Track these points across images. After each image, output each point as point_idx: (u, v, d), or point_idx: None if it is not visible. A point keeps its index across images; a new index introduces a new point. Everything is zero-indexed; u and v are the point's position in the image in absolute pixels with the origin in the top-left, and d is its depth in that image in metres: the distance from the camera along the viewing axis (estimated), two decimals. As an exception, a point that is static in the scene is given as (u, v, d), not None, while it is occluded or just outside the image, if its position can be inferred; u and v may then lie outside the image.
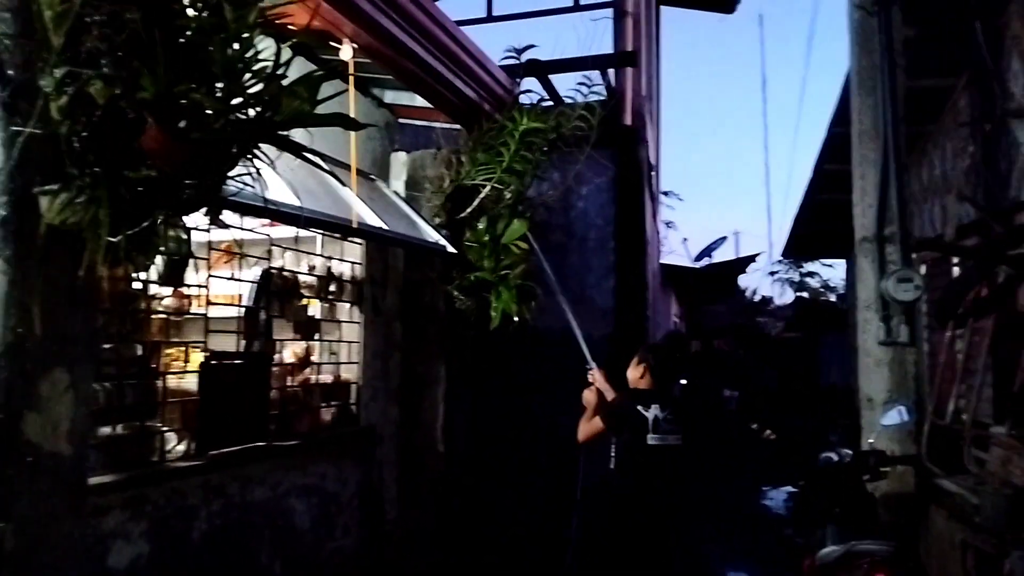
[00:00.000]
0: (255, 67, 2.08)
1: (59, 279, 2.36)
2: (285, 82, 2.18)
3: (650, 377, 4.21)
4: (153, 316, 3.64)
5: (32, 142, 2.22)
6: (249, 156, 2.17)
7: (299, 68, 2.32)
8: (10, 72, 2.30)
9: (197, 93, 2.01)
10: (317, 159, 2.45)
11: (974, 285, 4.69)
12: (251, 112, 2.11)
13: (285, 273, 4.44)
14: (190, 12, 2.13)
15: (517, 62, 5.59)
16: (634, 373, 4.28)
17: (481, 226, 5.24)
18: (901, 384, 4.65)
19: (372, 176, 5.37)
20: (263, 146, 2.29)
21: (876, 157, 4.68)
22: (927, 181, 7.46)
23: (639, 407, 4.08)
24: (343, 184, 4.32)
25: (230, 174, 2.20)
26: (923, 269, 6.90)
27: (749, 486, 10.96)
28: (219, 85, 2.06)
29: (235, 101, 2.07)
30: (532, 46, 5.63)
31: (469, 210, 5.25)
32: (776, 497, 10.33)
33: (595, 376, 4.55)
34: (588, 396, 4.46)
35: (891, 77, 4.61)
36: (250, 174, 2.20)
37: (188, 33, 2.08)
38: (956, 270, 6.18)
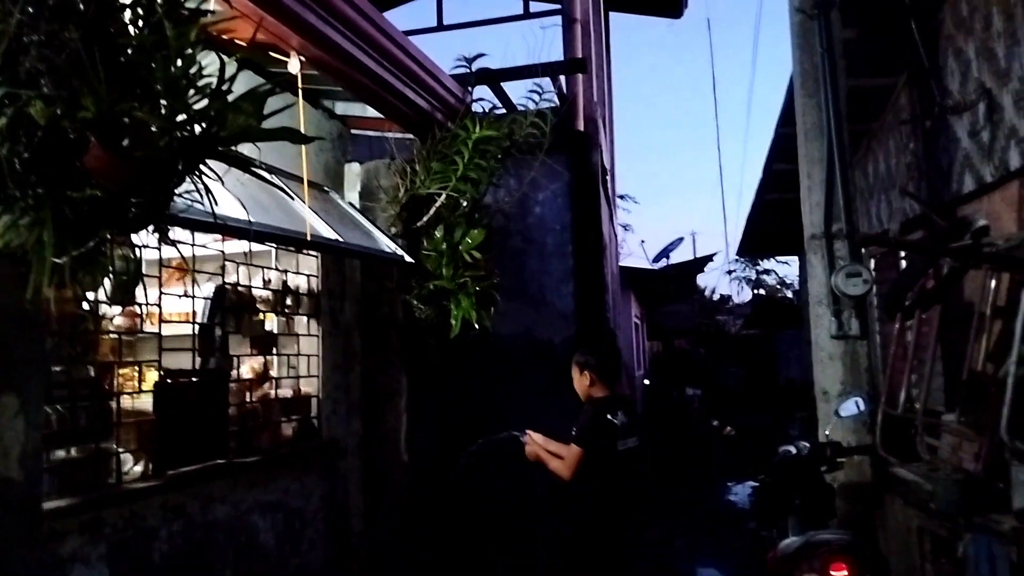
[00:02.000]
0: (199, 83, 2.07)
1: (4, 303, 2.32)
2: (231, 97, 2.17)
3: (600, 381, 4.13)
4: (104, 336, 3.58)
5: (-29, 164, 2.18)
6: (196, 172, 2.15)
7: (247, 82, 2.31)
8: (-54, 93, 2.26)
9: (140, 111, 1.99)
10: (266, 173, 2.44)
11: (920, 277, 4.82)
12: (196, 128, 2.10)
13: (240, 288, 4.40)
14: (131, 30, 2.11)
15: (468, 71, 5.62)
16: (582, 383, 4.17)
17: (438, 234, 5.24)
18: (854, 376, 4.77)
19: (325, 188, 5.35)
20: (210, 162, 2.28)
21: (821, 156, 4.79)
22: (872, 178, 7.66)
23: (608, 415, 3.99)
24: (296, 197, 4.30)
25: (177, 191, 2.18)
26: (872, 263, 7.08)
27: (714, 482, 11.12)
28: (163, 102, 2.04)
29: (180, 118, 2.05)
30: (482, 55, 5.67)
31: (425, 219, 5.26)
32: (740, 492, 10.48)
33: (531, 439, 4.35)
34: (532, 451, 4.30)
35: (833, 77, 4.72)
36: (198, 190, 2.18)
37: (129, 51, 2.06)
38: (903, 263, 6.35)
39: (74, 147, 2.06)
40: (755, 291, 31.06)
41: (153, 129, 2.02)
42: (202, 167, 2.16)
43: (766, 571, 4.08)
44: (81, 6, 2.05)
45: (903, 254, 6.41)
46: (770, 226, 11.45)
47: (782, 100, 7.33)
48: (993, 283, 4.35)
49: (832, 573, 3.14)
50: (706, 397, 16.54)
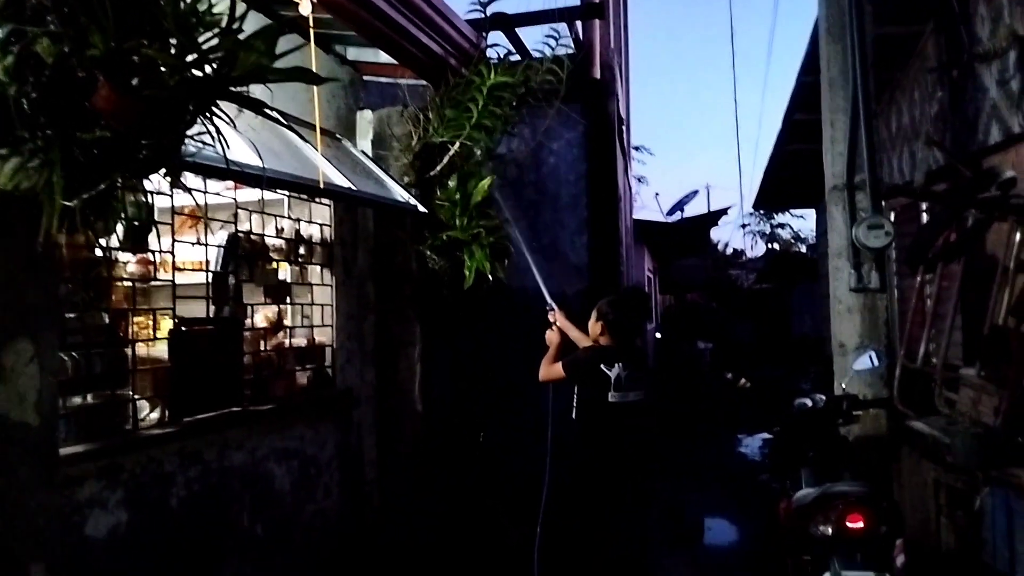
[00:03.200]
0: (209, 21, 2.00)
1: (16, 247, 2.29)
2: (241, 36, 2.10)
3: (608, 334, 4.18)
4: (118, 284, 3.57)
5: (-21, 105, 2.13)
6: (207, 114, 2.09)
7: (255, 23, 2.24)
8: (-48, 32, 2.20)
9: (149, 49, 1.93)
10: (278, 116, 2.38)
11: (943, 230, 4.73)
12: (207, 68, 2.03)
13: (252, 237, 4.36)
14: (138, -36, 2.03)
15: (483, 15, 5.48)
16: (594, 329, 4.25)
17: (452, 184, 5.17)
18: (872, 329, 4.72)
19: (338, 135, 5.27)
20: (222, 104, 2.22)
21: (845, 105, 4.68)
22: (896, 128, 7.49)
23: (602, 365, 4.07)
24: (308, 143, 4.23)
25: (188, 133, 2.13)
26: (892, 216, 6.96)
27: (725, 435, 11.16)
28: (172, 41, 1.98)
29: (190, 57, 1.99)
30: (497, -1, 5.53)
31: (439, 168, 5.19)
32: (751, 444, 10.53)
33: (556, 316, 4.60)
34: (551, 336, 4.53)
35: (859, 24, 4.58)
36: (209, 133, 2.13)
37: (137, -14, 1.99)
38: (925, 216, 6.24)
39: (83, 87, 2.00)
40: (769, 245, 30.89)
41: (163, 68, 1.96)
42: (213, 108, 2.10)
43: (777, 522, 4.10)
44: (87, -61, 1.98)
45: (925, 208, 6.30)
46: (788, 178, 11.29)
47: (803, 48, 7.15)
48: (1018, 236, 4.26)
49: (848, 524, 3.13)
50: (718, 351, 16.53)
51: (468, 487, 6.30)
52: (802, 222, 30.90)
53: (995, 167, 4.79)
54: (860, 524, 3.12)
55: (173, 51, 1.98)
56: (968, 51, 5.49)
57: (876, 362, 4.25)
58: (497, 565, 5.63)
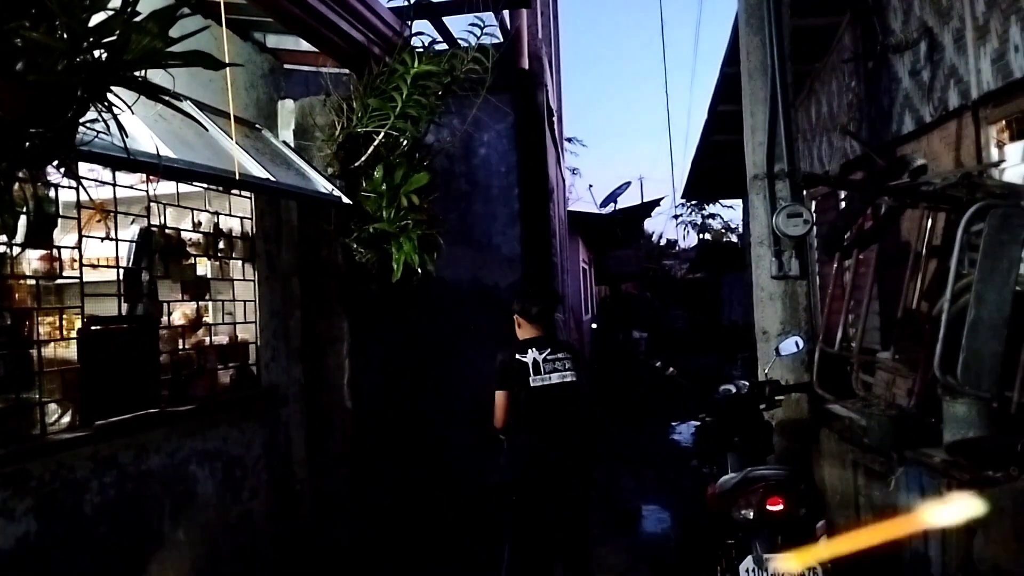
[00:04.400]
0: (99, 2, 1.89)
1: None
2: (138, 19, 2.00)
3: (528, 325, 4.24)
4: (21, 282, 3.39)
5: None
6: (100, 101, 1.98)
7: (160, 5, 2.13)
8: None
9: (34, 32, 1.82)
10: (185, 105, 2.28)
11: (858, 218, 4.88)
12: (98, 52, 1.92)
13: (167, 231, 4.20)
14: (21, -60, 1.91)
15: (407, 3, 5.40)
16: (517, 330, 4.30)
17: (377, 175, 5.07)
18: (793, 316, 4.83)
19: (257, 125, 5.11)
20: (120, 91, 2.11)
21: (765, 95, 4.76)
22: (815, 118, 7.69)
23: (517, 355, 4.08)
24: (224, 133, 4.09)
25: (82, 121, 2.02)
26: (813, 205, 7.15)
27: (659, 422, 11.34)
28: (59, 22, 1.87)
29: (78, 40, 1.88)
30: (422, -14, 5.45)
31: (363, 159, 5.08)
32: (684, 431, 10.73)
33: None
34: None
35: (777, 15, 4.67)
36: (104, 121, 2.02)
37: (20, -36, 1.87)
38: (843, 205, 6.43)
39: (-38, 72, 1.88)
40: (701, 235, 31.51)
41: (48, 52, 1.85)
42: (108, 95, 1.99)
43: (706, 507, 4.16)
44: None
45: (842, 196, 6.49)
46: (715, 168, 11.51)
47: (727, 40, 7.27)
48: (929, 223, 4.42)
49: (768, 507, 3.19)
50: (652, 340, 16.78)
51: (407, 481, 6.25)
52: (732, 212, 31.59)
53: (908, 155, 4.96)
54: (780, 507, 3.19)
55: (60, 34, 1.87)
56: (882, 42, 5.67)
57: (801, 346, 4.35)
58: (442, 556, 5.62)
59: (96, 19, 2.00)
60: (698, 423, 5.20)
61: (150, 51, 1.89)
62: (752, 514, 3.23)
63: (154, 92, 2.05)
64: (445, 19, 6.40)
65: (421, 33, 5.65)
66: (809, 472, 4.63)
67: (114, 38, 1.87)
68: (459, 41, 5.59)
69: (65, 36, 1.90)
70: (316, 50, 4.98)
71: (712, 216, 32.07)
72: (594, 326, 16.62)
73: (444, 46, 5.77)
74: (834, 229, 5.20)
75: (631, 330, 16.34)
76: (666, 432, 11.02)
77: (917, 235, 4.56)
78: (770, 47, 4.63)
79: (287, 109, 5.33)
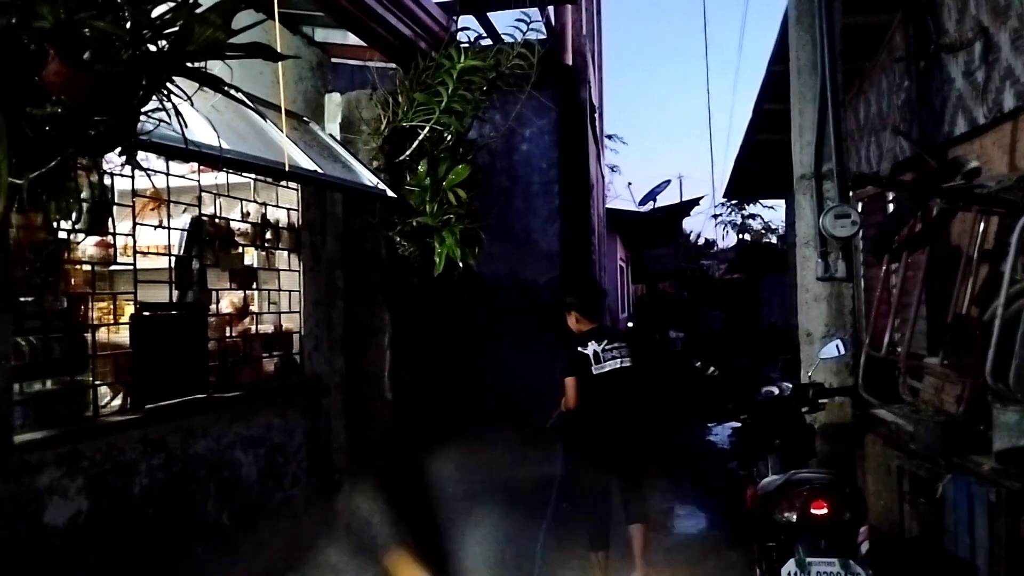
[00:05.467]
0: (166, -5, 1.94)
1: (-36, 227, 2.21)
2: (198, 11, 2.04)
3: (583, 319, 4.76)
4: (77, 268, 3.48)
5: (-76, 78, 2.05)
6: (162, 90, 2.03)
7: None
8: None
9: (101, 21, 1.87)
10: (238, 95, 2.32)
11: (908, 219, 4.79)
12: (161, 43, 1.97)
13: (217, 220, 4.28)
14: (90, -67, 1.96)
15: (453, -2, 5.43)
16: (570, 322, 4.82)
17: (421, 169, 5.12)
18: (838, 318, 4.76)
19: (305, 118, 5.18)
20: (180, 81, 2.16)
21: (814, 94, 4.69)
22: (864, 118, 7.55)
23: (579, 348, 4.65)
24: (274, 125, 4.15)
25: (144, 111, 2.07)
26: (860, 206, 7.02)
27: (695, 423, 11.24)
28: (125, 13, 1.91)
29: (143, 30, 1.93)
30: (469, -18, 5.47)
31: (408, 153, 5.12)
32: (720, 433, 10.62)
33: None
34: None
35: (828, 13, 4.59)
36: (165, 110, 2.06)
37: (89, -44, 1.92)
38: (891, 206, 6.31)
39: (32, 60, 1.93)
40: (740, 236, 31.15)
41: (115, 42, 1.90)
42: (169, 85, 2.04)
43: (744, 509, 4.12)
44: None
45: (891, 198, 6.37)
46: (758, 168, 11.37)
47: (775, 37, 7.18)
48: (982, 226, 4.32)
49: (812, 511, 3.14)
50: (688, 340, 16.66)
51: (442, 474, 6.28)
52: (773, 212, 31.19)
53: (960, 157, 4.85)
54: (824, 511, 3.14)
55: (126, 24, 1.92)
56: (935, 42, 5.55)
57: (842, 350, 4.28)
58: (473, 551, 5.65)
59: (156, 11, 2.05)
60: (737, 424, 5.16)
61: (212, 42, 1.93)
62: (795, 517, 3.18)
63: (215, 83, 2.09)
64: (491, 15, 6.42)
65: (467, 28, 5.69)
66: (853, 477, 4.56)
67: (177, 29, 1.91)
68: (504, 37, 5.59)
69: (129, 26, 1.95)
70: (364, 44, 5.03)
71: (752, 216, 31.67)
72: (630, 325, 16.55)
73: (489, 41, 5.77)
74: (883, 231, 5.10)
75: (667, 329, 16.24)
76: (702, 433, 10.92)
77: (969, 239, 4.45)
78: (820, 44, 4.56)
79: (334, 102, 5.39)
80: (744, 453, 4.43)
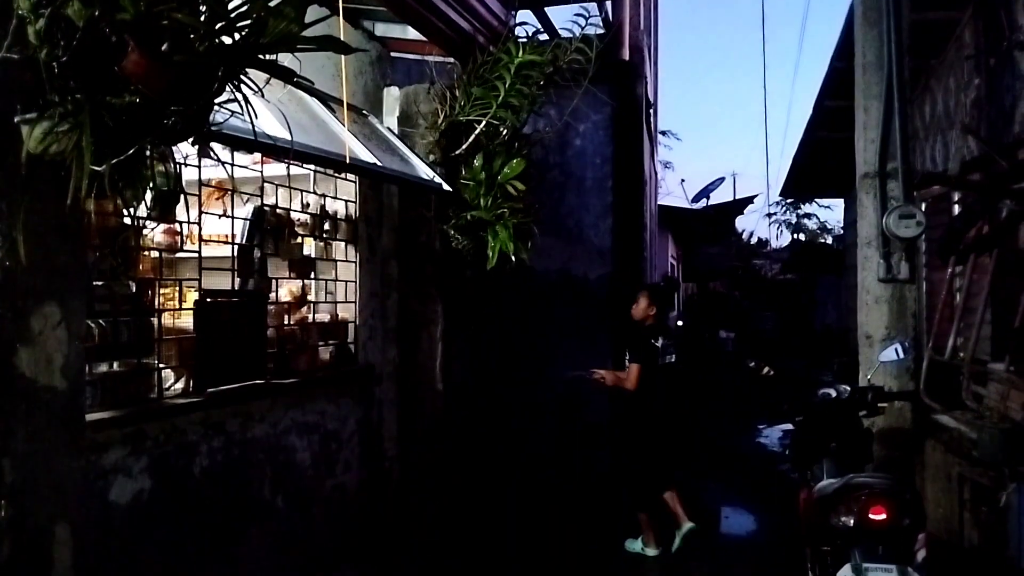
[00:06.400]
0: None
1: (45, 211, 2.30)
2: (271, 3, 2.08)
3: (656, 313, 5.53)
4: (145, 253, 3.59)
5: (10, 68, 2.14)
6: (236, 82, 2.08)
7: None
8: (-17, -4, 2.21)
9: (179, 13, 1.92)
10: (308, 85, 2.36)
11: (976, 221, 4.64)
12: (235, 35, 2.02)
13: (278, 211, 4.37)
14: (169, -72, 2.02)
15: (512, -8, 5.43)
16: (646, 310, 5.51)
17: (477, 163, 5.14)
18: (900, 321, 4.66)
19: (364, 111, 5.25)
20: (250, 72, 2.21)
21: (880, 91, 4.59)
22: (929, 117, 7.34)
23: (651, 340, 5.53)
24: (335, 118, 4.22)
25: (216, 102, 2.12)
26: (924, 206, 6.84)
27: (744, 424, 11.10)
28: (202, 6, 1.97)
29: (219, 23, 1.98)
30: (527, -23, 5.47)
31: (464, 147, 5.15)
32: (770, 434, 10.46)
33: (603, 374, 5.58)
34: (612, 378, 5.55)
35: (896, 9, 4.48)
36: (238, 102, 2.12)
37: (168, -50, 1.98)
38: (957, 208, 6.13)
39: (113, 51, 2.00)
40: (795, 235, 30.58)
41: (191, 34, 1.95)
42: (242, 76, 2.09)
43: (796, 513, 4.06)
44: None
45: (957, 199, 6.19)
46: (816, 166, 11.15)
47: (835, 35, 7.03)
48: (1054, 228, 4.17)
49: (871, 516, 3.08)
50: (740, 340, 16.42)
51: (490, 466, 6.33)
52: (829, 212, 30.56)
53: (1033, 158, 4.68)
54: (883, 516, 3.07)
55: (203, 15, 1.97)
56: (1007, 38, 5.36)
57: (902, 354, 4.19)
58: (518, 542, 5.71)
59: (232, 3, 2.10)
60: (790, 427, 5.09)
61: (286, 35, 1.97)
62: (853, 521, 3.12)
63: (288, 75, 2.14)
64: (548, 9, 6.41)
65: (525, 23, 5.70)
66: (912, 483, 4.45)
67: (251, 21, 1.96)
68: (561, 31, 5.58)
69: (205, 18, 2.00)
70: (423, 39, 5.08)
71: (807, 216, 31.09)
72: (680, 323, 16.38)
73: (546, 36, 5.77)
74: (950, 232, 4.95)
75: (718, 329, 16.03)
76: (752, 434, 10.77)
77: (1040, 241, 4.31)
78: (888, 40, 4.45)
79: (392, 96, 5.45)
80: (798, 455, 4.36)
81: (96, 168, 1.99)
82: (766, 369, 4.83)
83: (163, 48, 1.95)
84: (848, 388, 4.16)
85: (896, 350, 4.18)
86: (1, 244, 2.15)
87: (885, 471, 4.14)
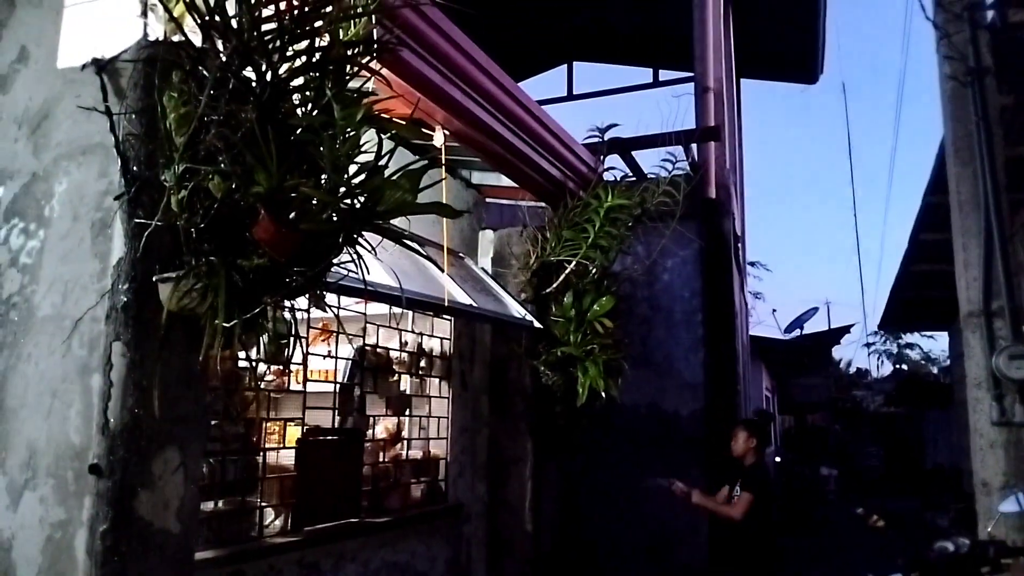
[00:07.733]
0: (359, 159, 2.20)
1: (175, 362, 2.48)
2: (386, 171, 2.29)
3: (755, 451, 4.92)
4: (254, 394, 3.77)
5: (153, 233, 2.39)
6: (354, 245, 2.27)
7: (396, 157, 2.43)
8: (135, 168, 2.50)
9: (306, 186, 2.13)
10: (415, 244, 2.54)
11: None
12: (355, 202, 2.22)
13: (379, 350, 4.54)
14: (300, 111, 2.28)
15: (600, 140, 5.69)
16: (748, 444, 4.97)
17: (567, 301, 5.26)
18: (1019, 467, 4.36)
19: (461, 254, 5.50)
20: (365, 233, 2.40)
21: (978, 228, 4.52)
22: (1034, 250, 7.11)
23: (767, 474, 5.13)
24: (434, 264, 4.43)
25: (335, 261, 2.31)
26: (1036, 342, 6.52)
27: (850, 573, 10.31)
28: (325, 178, 2.18)
29: (340, 192, 2.18)
30: (615, 125, 5.74)
31: (555, 285, 5.29)
32: (881, 588, 9.66)
33: (684, 489, 5.07)
34: (698, 500, 4.99)
35: (989, 147, 4.48)
36: (354, 261, 2.29)
37: (298, 130, 2.22)
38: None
39: (245, 218, 2.22)
40: (896, 366, 29.28)
41: (316, 203, 2.15)
42: (359, 238, 2.27)
43: None
44: (257, 89, 2.23)
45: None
46: (917, 298, 10.83)
47: (929, 167, 6.99)
48: None
49: None
50: (843, 478, 15.53)
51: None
52: (932, 343, 29.28)
53: None
54: None
55: (327, 187, 2.18)
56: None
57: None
58: None
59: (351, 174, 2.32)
60: (903, 580, 4.72)
61: (401, 203, 2.15)
62: None
63: (399, 237, 2.31)
64: (635, 153, 6.66)
65: (613, 168, 5.92)
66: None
67: (371, 191, 2.15)
68: (649, 174, 5.79)
69: (329, 190, 2.21)
70: (516, 185, 5.34)
71: (909, 346, 29.82)
72: (777, 459, 15.67)
73: (634, 179, 5.98)
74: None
75: (819, 466, 15.23)
76: (861, 584, 9.98)
77: None
78: (983, 179, 4.43)
79: (487, 239, 5.70)
80: (916, 614, 4.04)
81: (226, 324, 2.17)
82: (874, 518, 4.55)
83: (291, 216, 2.15)
84: (967, 541, 3.87)
85: (1019, 499, 3.90)
86: (134, 393, 2.33)
87: (1015, 636, 3.77)
